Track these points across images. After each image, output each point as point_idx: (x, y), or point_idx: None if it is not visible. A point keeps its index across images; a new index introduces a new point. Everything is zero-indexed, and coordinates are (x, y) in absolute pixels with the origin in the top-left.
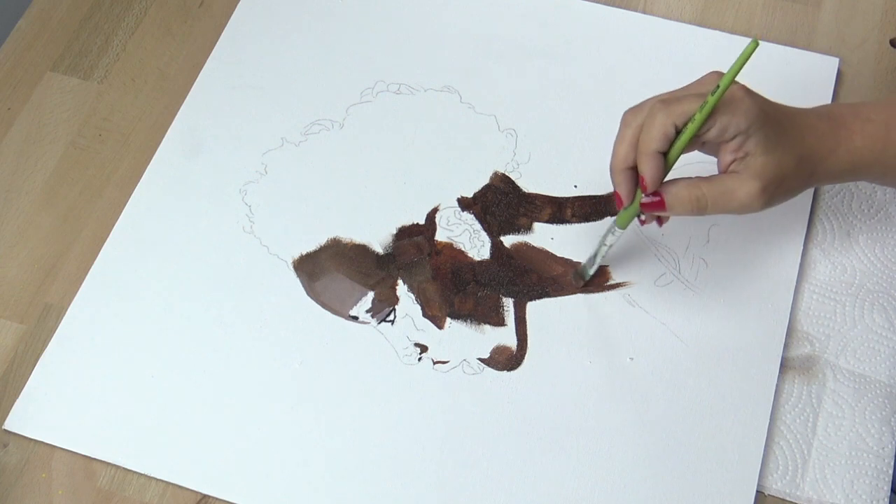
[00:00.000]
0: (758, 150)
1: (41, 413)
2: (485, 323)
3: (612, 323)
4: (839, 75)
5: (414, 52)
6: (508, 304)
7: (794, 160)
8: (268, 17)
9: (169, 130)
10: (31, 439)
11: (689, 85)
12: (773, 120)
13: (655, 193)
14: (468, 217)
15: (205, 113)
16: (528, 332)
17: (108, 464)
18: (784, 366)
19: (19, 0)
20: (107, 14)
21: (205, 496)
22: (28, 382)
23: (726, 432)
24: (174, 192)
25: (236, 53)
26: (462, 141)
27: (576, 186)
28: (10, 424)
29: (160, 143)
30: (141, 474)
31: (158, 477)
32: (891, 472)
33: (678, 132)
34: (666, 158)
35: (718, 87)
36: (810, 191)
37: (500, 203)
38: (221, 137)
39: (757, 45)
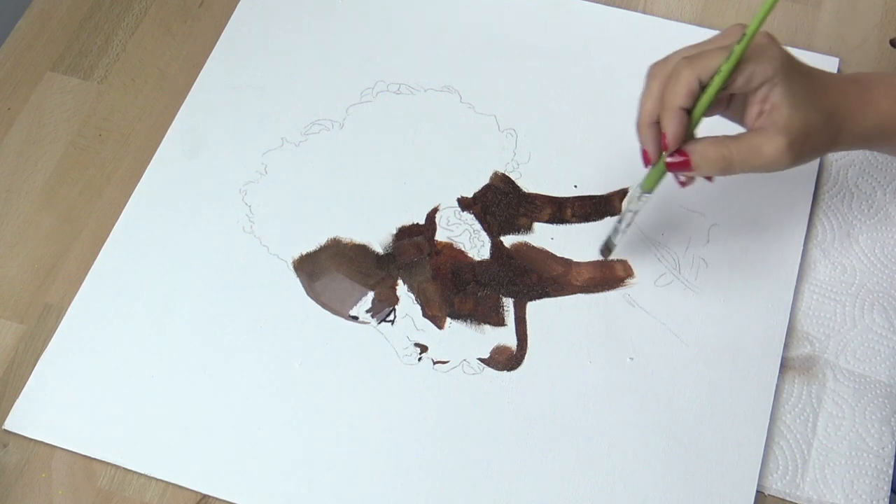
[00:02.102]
0: (784, 102)
1: (41, 413)
2: (485, 323)
3: (612, 323)
4: None
5: (414, 52)
6: (508, 304)
7: (821, 116)
8: (268, 17)
9: (169, 130)
10: (31, 439)
11: (712, 38)
12: (798, 72)
13: (681, 153)
14: (468, 217)
15: (205, 113)
16: (528, 332)
17: (108, 464)
18: (784, 366)
19: (19, 0)
20: (107, 14)
21: (205, 496)
22: (28, 382)
23: (726, 432)
24: (174, 192)
25: (236, 53)
26: (462, 141)
27: (576, 186)
28: (10, 424)
29: (160, 143)
30: (141, 474)
31: (158, 477)
32: (891, 472)
33: (703, 88)
34: (690, 116)
35: (745, 35)
36: (810, 190)
37: (500, 203)
38: (221, 137)
39: None
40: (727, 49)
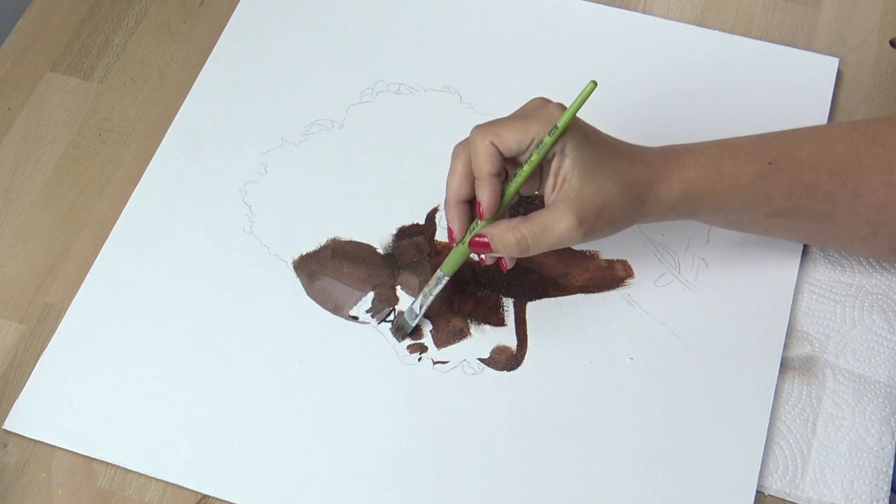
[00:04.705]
0: (574, 174)
1: (41, 413)
2: (485, 323)
3: (612, 323)
4: (839, 75)
5: (414, 52)
6: (508, 304)
7: (616, 186)
8: (268, 17)
9: (169, 130)
10: (31, 439)
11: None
12: (593, 143)
13: (481, 235)
14: None
15: (205, 113)
16: (528, 332)
17: (108, 464)
18: (784, 366)
19: (19, 0)
20: (107, 14)
21: (205, 496)
22: (28, 382)
23: (726, 432)
24: (174, 192)
25: (236, 53)
26: None
27: None
28: (10, 424)
29: (160, 143)
30: (141, 474)
31: (158, 477)
32: (891, 472)
33: (504, 156)
34: (502, 182)
35: (556, 126)
36: None
37: None
38: (221, 137)
39: (595, 85)
40: (518, 118)
